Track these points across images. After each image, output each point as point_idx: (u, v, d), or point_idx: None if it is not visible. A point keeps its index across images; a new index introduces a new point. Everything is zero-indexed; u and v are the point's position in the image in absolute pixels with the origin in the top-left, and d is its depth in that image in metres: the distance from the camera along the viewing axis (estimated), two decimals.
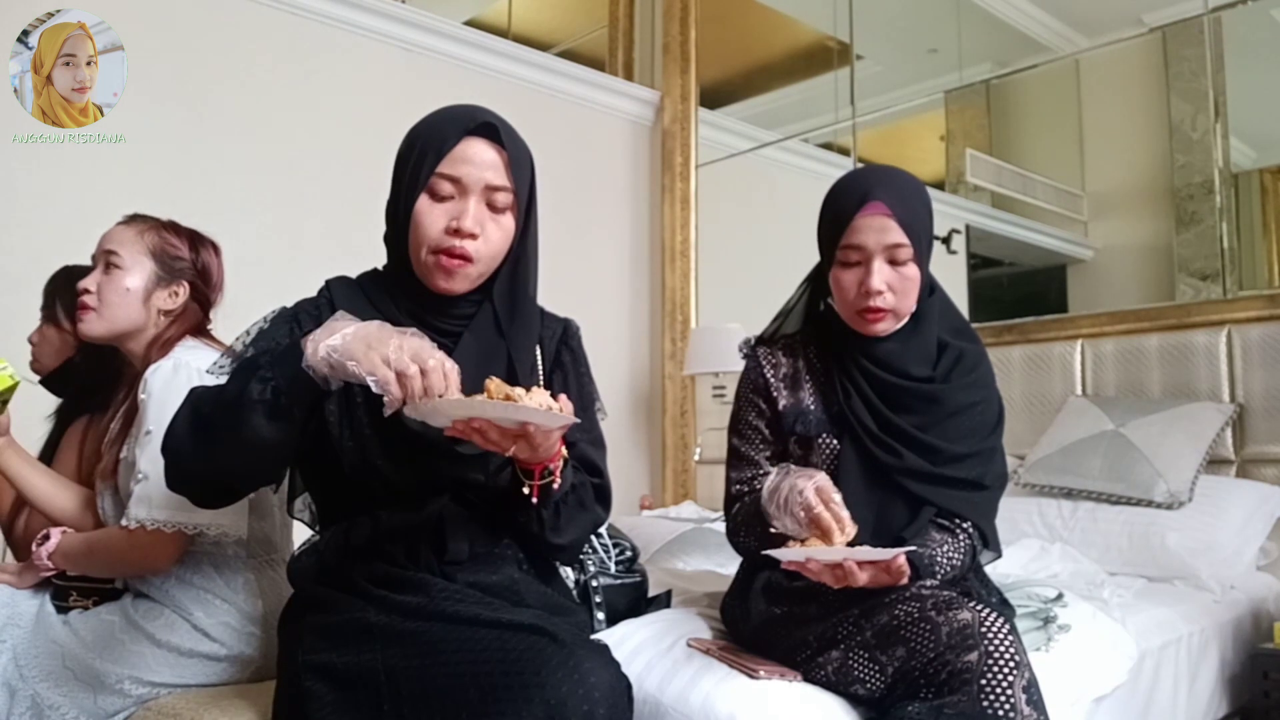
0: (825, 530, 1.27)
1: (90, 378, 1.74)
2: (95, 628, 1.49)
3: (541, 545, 1.28)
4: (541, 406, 1.05)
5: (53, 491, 1.60)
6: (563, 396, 1.10)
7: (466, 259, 1.22)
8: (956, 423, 1.47)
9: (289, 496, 1.40)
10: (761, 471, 1.53)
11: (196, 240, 1.65)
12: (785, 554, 1.28)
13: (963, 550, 1.43)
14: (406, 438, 1.24)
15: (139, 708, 1.45)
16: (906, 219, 1.41)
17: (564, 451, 1.19)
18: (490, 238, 1.24)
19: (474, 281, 1.26)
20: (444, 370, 1.04)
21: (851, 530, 1.29)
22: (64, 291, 1.79)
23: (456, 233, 1.21)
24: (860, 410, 1.47)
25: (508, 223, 1.26)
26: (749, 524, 1.48)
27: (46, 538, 1.54)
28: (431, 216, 1.22)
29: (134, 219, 1.63)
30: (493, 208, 1.24)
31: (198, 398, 1.15)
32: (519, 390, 1.05)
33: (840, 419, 1.49)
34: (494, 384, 1.06)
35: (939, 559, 1.39)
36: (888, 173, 1.48)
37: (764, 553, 1.32)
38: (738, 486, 1.56)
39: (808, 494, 1.29)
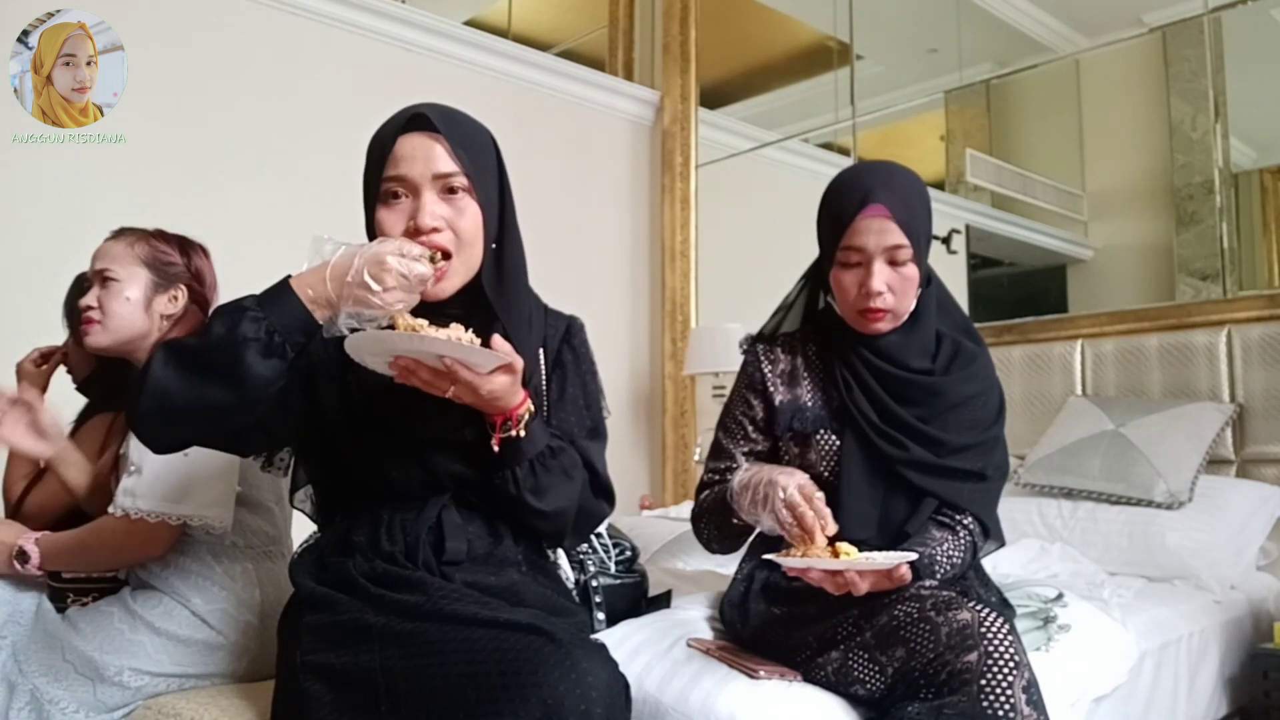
0: (808, 529, 1.28)
1: (112, 381, 1.74)
2: (94, 619, 1.51)
3: (522, 510, 1.25)
4: (452, 339, 1.06)
5: (75, 461, 1.63)
6: (496, 338, 1.11)
7: (442, 253, 1.20)
8: (958, 415, 1.47)
9: (291, 488, 1.40)
10: (735, 465, 1.55)
11: (186, 245, 1.67)
12: (788, 561, 1.28)
13: (963, 548, 1.43)
14: (409, 435, 1.24)
15: (139, 704, 1.46)
16: (906, 220, 1.41)
17: (529, 406, 1.19)
18: (456, 226, 1.21)
19: (463, 275, 1.23)
20: (402, 267, 1.09)
21: (832, 528, 1.29)
22: (74, 304, 1.81)
23: (417, 232, 1.19)
24: (862, 403, 1.47)
25: (470, 208, 1.22)
26: (712, 512, 1.50)
27: (24, 554, 1.53)
28: (390, 223, 1.21)
29: (122, 232, 1.64)
30: (449, 195, 1.22)
31: (173, 344, 1.14)
32: (423, 321, 1.08)
33: (841, 413, 1.49)
34: (402, 318, 1.08)
35: (939, 558, 1.39)
36: (886, 171, 1.48)
37: (765, 558, 1.32)
38: (709, 475, 1.58)
39: (791, 492, 1.29)
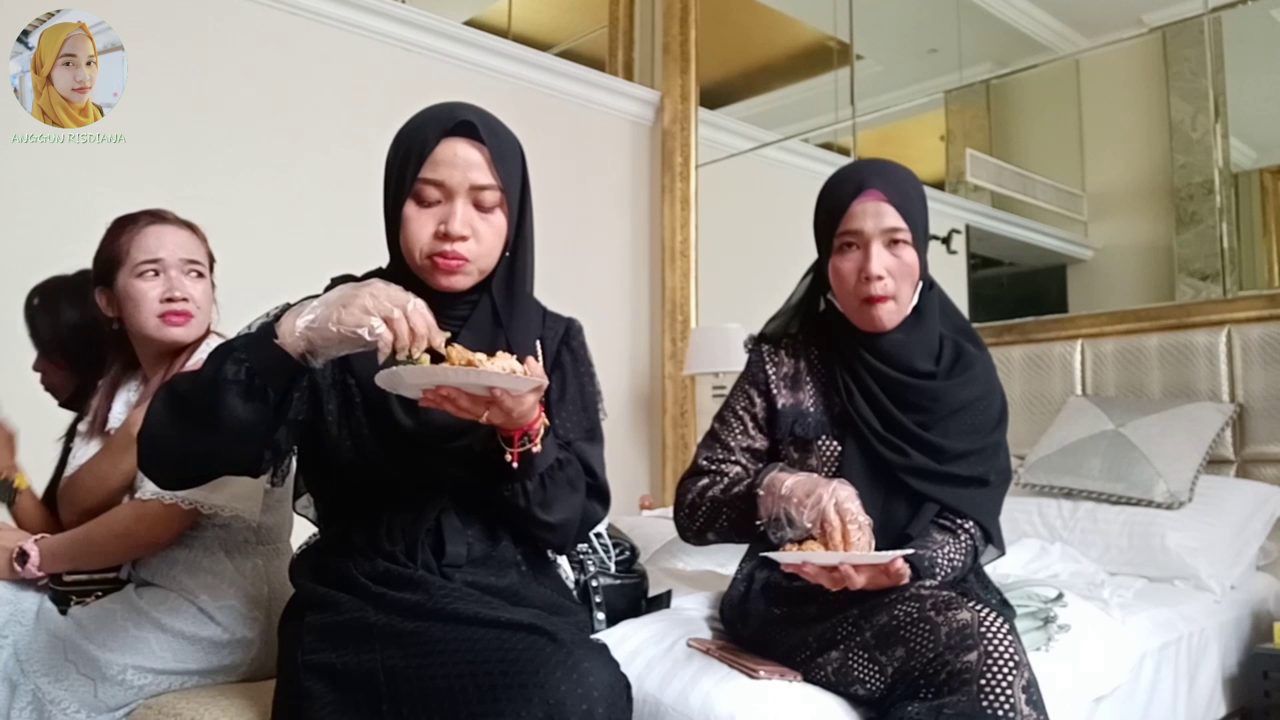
0: (833, 542, 1.27)
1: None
2: (98, 617, 1.50)
3: (530, 523, 1.26)
4: (505, 370, 1.06)
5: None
6: (530, 360, 1.11)
7: (462, 259, 1.22)
8: (959, 419, 1.47)
9: (294, 495, 1.40)
10: (732, 457, 1.54)
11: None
12: (782, 557, 1.28)
13: (964, 551, 1.43)
14: (406, 438, 1.24)
15: (140, 703, 1.45)
16: (902, 204, 1.43)
17: (544, 419, 1.19)
18: (482, 237, 1.23)
19: (475, 277, 1.25)
20: (420, 310, 1.06)
21: (866, 543, 1.28)
22: (44, 317, 1.77)
23: (446, 237, 1.20)
24: (864, 409, 1.47)
25: (498, 220, 1.25)
26: (720, 507, 1.46)
27: (24, 555, 1.53)
28: (419, 223, 1.22)
29: (168, 219, 1.62)
30: (480, 207, 1.23)
31: (174, 383, 1.15)
32: (480, 355, 1.06)
33: (843, 419, 1.49)
34: (455, 350, 1.07)
35: (939, 560, 1.39)
36: (881, 162, 1.50)
37: (762, 555, 1.32)
38: (704, 462, 1.56)
39: (828, 509, 1.27)
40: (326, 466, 1.29)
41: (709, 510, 1.49)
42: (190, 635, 1.49)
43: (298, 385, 1.13)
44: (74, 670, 1.45)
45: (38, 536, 1.56)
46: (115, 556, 1.56)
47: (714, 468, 1.55)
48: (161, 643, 1.47)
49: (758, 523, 1.36)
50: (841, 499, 1.28)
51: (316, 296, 1.12)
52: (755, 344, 1.62)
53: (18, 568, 1.54)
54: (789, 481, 1.34)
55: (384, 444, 1.24)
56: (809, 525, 1.29)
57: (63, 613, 1.54)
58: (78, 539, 1.53)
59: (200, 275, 1.61)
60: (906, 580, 1.29)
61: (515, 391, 1.09)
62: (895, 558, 1.26)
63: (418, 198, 1.22)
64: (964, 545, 1.44)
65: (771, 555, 1.30)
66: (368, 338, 1.04)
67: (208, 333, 1.63)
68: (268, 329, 1.10)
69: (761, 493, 1.36)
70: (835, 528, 1.26)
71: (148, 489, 1.47)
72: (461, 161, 1.21)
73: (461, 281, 1.24)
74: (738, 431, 1.57)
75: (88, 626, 1.49)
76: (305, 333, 1.06)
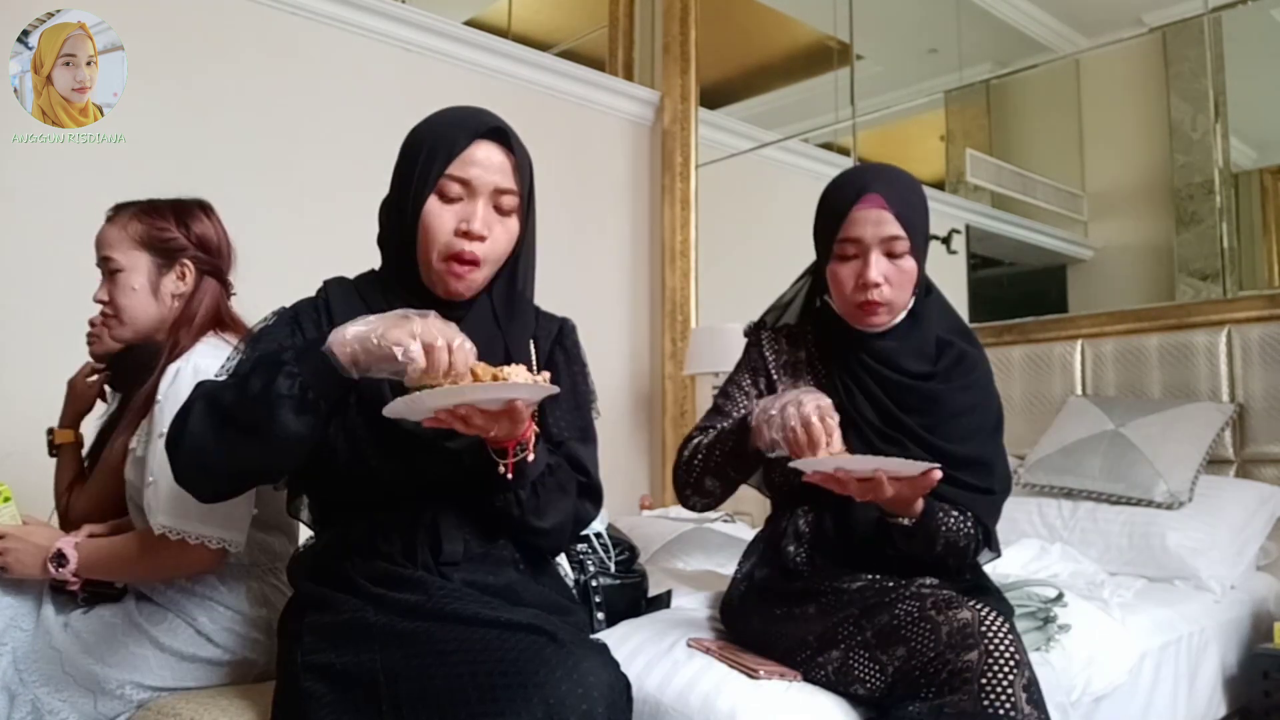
0: (814, 440, 1.25)
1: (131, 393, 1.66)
2: (96, 629, 1.48)
3: (524, 530, 1.27)
4: (524, 381, 1.07)
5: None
6: (545, 373, 1.12)
7: (475, 263, 1.24)
8: (959, 424, 1.47)
9: (289, 497, 1.40)
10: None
11: (181, 212, 1.58)
12: (812, 463, 1.25)
13: (966, 521, 1.41)
14: (401, 438, 1.24)
15: (139, 709, 1.44)
16: (903, 212, 1.42)
17: (535, 427, 1.19)
18: (497, 239, 1.26)
19: (479, 286, 1.28)
20: (466, 351, 1.08)
21: (837, 446, 1.27)
22: None
23: (466, 235, 1.23)
24: (864, 407, 1.47)
25: (513, 225, 1.29)
26: (713, 448, 1.46)
27: (62, 557, 1.45)
28: (441, 218, 1.24)
29: (118, 211, 1.58)
30: (500, 210, 1.27)
31: (212, 394, 1.16)
32: (508, 369, 1.08)
33: (842, 416, 1.48)
34: (480, 367, 1.08)
35: (941, 516, 1.38)
36: (884, 168, 1.50)
37: (790, 464, 1.27)
38: (702, 425, 1.56)
39: (807, 409, 1.27)
40: (323, 468, 1.29)
41: (704, 456, 1.49)
42: (189, 655, 1.46)
43: (347, 395, 1.15)
44: (73, 682, 1.43)
45: (78, 540, 1.48)
46: (146, 578, 1.50)
47: (712, 430, 1.53)
48: (160, 661, 1.45)
49: (753, 449, 1.35)
50: (824, 405, 1.28)
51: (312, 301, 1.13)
52: (755, 330, 1.62)
53: (53, 569, 1.46)
54: (770, 398, 1.35)
55: (380, 445, 1.24)
56: (775, 437, 1.28)
57: (62, 610, 1.52)
58: (120, 555, 1.46)
59: (117, 271, 1.51)
60: (935, 484, 1.25)
61: (533, 401, 1.10)
62: (930, 468, 1.22)
63: (441, 193, 1.24)
64: (968, 522, 1.41)
65: (799, 464, 1.26)
66: (400, 358, 1.06)
67: (178, 335, 1.52)
68: (318, 344, 1.11)
69: (754, 422, 1.35)
70: (819, 430, 1.25)
71: (158, 521, 1.40)
72: (490, 164, 1.25)
73: (468, 290, 1.27)
74: (742, 404, 1.56)
75: (86, 640, 1.46)
76: (352, 340, 1.09)
